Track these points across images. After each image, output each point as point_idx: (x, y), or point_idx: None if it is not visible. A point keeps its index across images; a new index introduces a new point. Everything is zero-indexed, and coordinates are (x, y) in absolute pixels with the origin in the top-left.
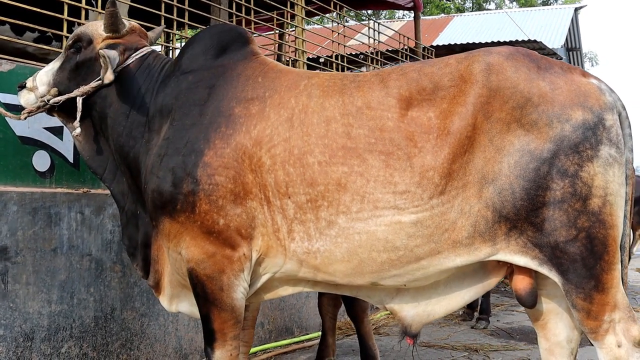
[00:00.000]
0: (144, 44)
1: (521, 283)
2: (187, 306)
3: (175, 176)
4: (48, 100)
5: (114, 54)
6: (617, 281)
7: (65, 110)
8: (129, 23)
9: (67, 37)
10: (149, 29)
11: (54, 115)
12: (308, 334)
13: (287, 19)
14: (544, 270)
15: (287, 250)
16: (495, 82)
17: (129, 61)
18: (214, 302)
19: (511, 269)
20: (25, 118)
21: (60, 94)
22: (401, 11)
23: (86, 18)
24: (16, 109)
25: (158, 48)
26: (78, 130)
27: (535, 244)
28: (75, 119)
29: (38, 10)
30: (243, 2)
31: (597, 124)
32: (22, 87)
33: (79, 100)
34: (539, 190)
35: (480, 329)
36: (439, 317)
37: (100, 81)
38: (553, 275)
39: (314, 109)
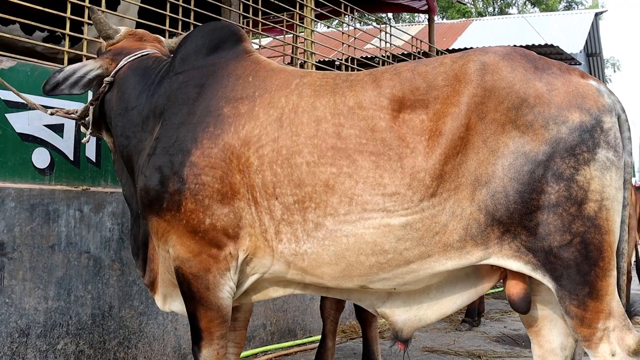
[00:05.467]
0: (142, 47)
1: (514, 288)
2: (179, 305)
3: (161, 175)
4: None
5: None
6: (613, 288)
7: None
8: (124, 29)
9: (70, 36)
10: (155, 29)
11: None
12: (311, 337)
13: (296, 20)
14: (538, 275)
15: (275, 251)
16: (490, 82)
17: (121, 64)
18: (200, 301)
19: (505, 274)
20: (52, 114)
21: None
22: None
23: (89, 17)
24: (16, 107)
25: None
26: (87, 137)
27: (529, 248)
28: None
29: (42, 9)
30: (251, 3)
31: (594, 126)
32: None
33: (90, 109)
34: (533, 193)
35: (464, 331)
36: (431, 322)
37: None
38: (546, 281)
39: (304, 109)
